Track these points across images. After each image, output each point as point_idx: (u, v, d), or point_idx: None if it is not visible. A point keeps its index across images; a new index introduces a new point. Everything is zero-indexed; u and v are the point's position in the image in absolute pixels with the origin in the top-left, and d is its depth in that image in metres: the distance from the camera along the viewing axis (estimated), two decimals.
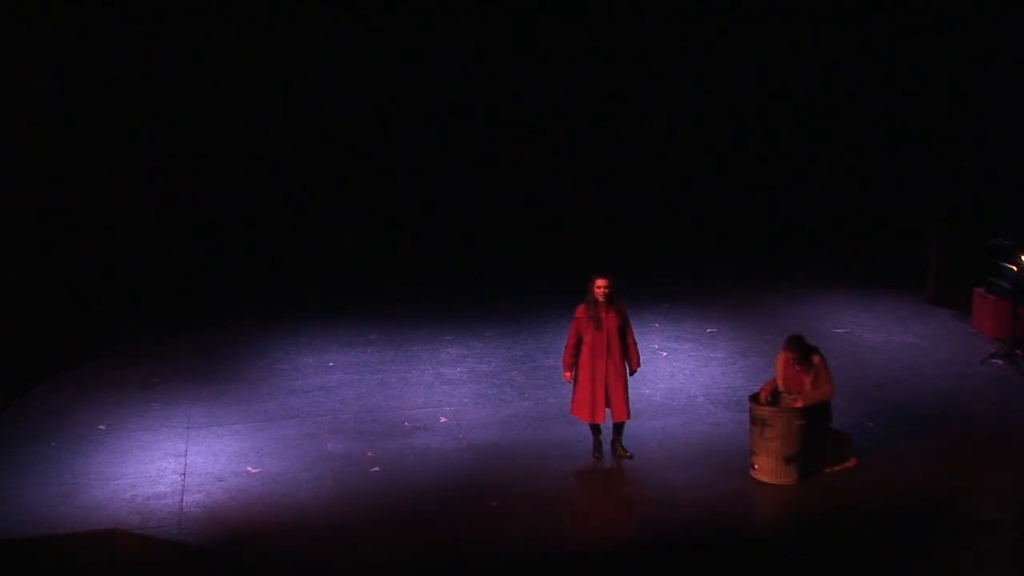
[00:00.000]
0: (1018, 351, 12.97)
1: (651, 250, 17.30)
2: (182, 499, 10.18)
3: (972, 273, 14.55)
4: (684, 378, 12.86)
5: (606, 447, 10.90)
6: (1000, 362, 13.04)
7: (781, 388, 10.46)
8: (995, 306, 13.75)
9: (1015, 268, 13.03)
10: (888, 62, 16.90)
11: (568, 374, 10.81)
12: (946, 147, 14.76)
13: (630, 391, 10.80)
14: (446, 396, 12.45)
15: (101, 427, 11.72)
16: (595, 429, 10.84)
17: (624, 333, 10.65)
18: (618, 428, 10.85)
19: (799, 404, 10.22)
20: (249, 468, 10.77)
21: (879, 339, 14.03)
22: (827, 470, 10.44)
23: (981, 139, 14.44)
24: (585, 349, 10.62)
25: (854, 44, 17.22)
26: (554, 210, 17.67)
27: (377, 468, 10.73)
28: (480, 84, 17.13)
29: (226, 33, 15.77)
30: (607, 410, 10.68)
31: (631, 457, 10.81)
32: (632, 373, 10.84)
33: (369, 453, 11.05)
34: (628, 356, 10.73)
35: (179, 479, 10.57)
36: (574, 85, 17.48)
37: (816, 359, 10.35)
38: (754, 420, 10.33)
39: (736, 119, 17.67)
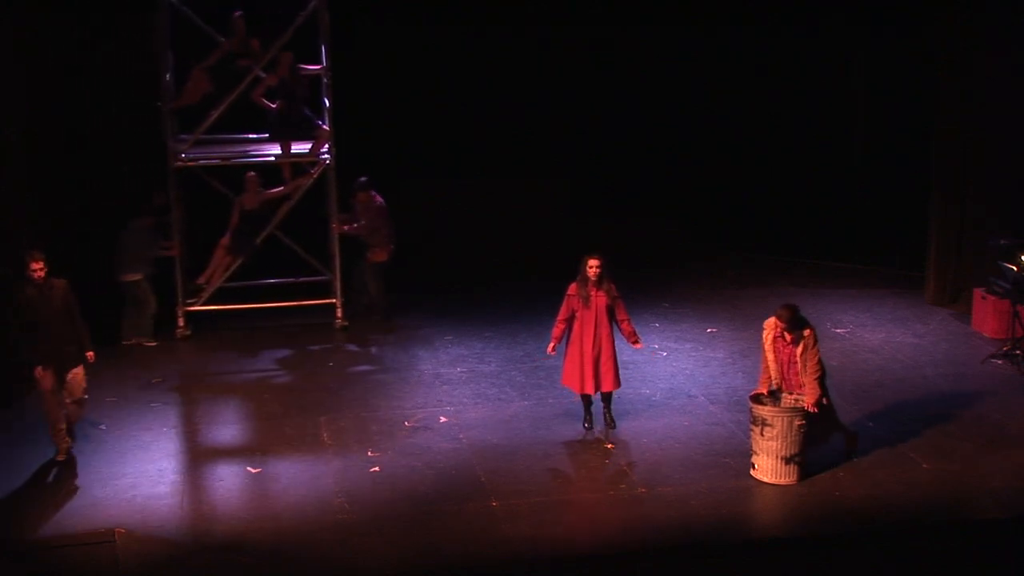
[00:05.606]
0: (1018, 351, 12.97)
1: (651, 249, 17.31)
2: (182, 499, 10.18)
3: (972, 273, 14.56)
4: (684, 378, 12.86)
5: (597, 421, 11.38)
6: (1000, 362, 13.05)
7: (772, 367, 10.39)
8: (995, 306, 13.75)
9: (1015, 268, 13.02)
10: (890, 61, 16.91)
11: (552, 347, 11.37)
12: (946, 146, 14.76)
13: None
14: (446, 396, 12.45)
15: (101, 427, 11.72)
16: (585, 400, 11.37)
17: (612, 311, 11.14)
18: (606, 397, 11.42)
19: (808, 402, 10.19)
20: (249, 468, 10.78)
21: (879, 339, 14.03)
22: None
23: (981, 138, 14.43)
24: (575, 324, 11.23)
25: (864, 40, 17.28)
26: (554, 210, 17.70)
27: (377, 468, 10.74)
28: (479, 85, 17.15)
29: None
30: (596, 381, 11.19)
31: (614, 427, 11.35)
32: (636, 344, 11.38)
33: (369, 453, 11.05)
34: (623, 332, 11.27)
35: (179, 479, 10.58)
36: (569, 84, 17.54)
37: (807, 332, 10.27)
38: (754, 420, 10.33)
39: (738, 118, 17.67)
